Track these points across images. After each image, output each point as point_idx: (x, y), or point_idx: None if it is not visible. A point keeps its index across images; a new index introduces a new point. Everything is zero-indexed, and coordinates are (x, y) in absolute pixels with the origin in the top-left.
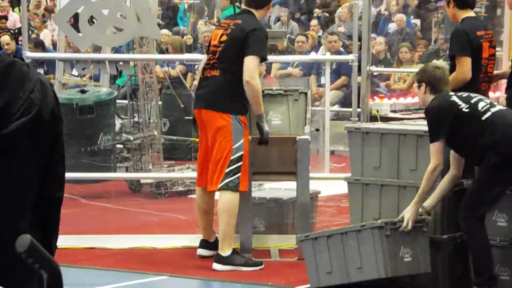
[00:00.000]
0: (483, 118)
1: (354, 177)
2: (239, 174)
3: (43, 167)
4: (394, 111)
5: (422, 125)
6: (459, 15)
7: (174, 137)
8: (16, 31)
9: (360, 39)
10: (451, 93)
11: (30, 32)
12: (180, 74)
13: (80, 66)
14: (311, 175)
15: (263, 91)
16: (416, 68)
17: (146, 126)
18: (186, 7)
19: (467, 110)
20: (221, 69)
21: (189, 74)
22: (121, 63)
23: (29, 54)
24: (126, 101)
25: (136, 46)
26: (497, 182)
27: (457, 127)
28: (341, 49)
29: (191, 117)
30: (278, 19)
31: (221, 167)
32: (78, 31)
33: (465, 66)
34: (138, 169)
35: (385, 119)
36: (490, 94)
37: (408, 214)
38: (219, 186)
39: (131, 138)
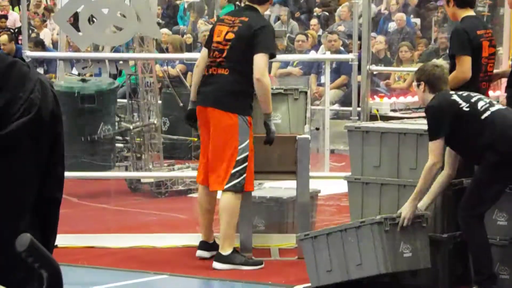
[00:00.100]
0: (483, 117)
1: (354, 176)
2: (245, 175)
3: (43, 167)
4: (394, 110)
5: (422, 124)
6: (459, 14)
7: (174, 137)
8: (16, 30)
9: (360, 38)
10: (452, 92)
11: (30, 31)
12: (180, 73)
13: (80, 65)
14: (311, 174)
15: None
16: (416, 67)
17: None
18: (186, 6)
19: (467, 109)
20: (229, 68)
21: (189, 73)
22: (121, 62)
23: (29, 53)
24: (125, 100)
25: (135, 45)
26: (496, 180)
27: (457, 127)
28: (341, 48)
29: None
30: (278, 18)
31: (227, 167)
32: (78, 30)
33: (465, 65)
34: (138, 168)
35: (385, 118)
36: (490, 93)
37: (405, 211)
38: (226, 187)
39: (131, 127)
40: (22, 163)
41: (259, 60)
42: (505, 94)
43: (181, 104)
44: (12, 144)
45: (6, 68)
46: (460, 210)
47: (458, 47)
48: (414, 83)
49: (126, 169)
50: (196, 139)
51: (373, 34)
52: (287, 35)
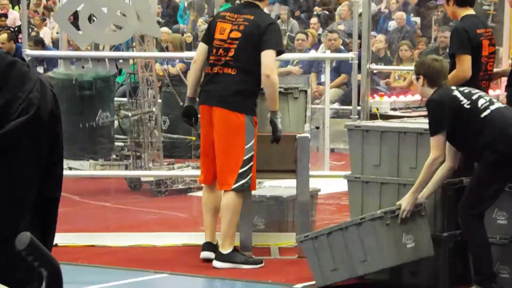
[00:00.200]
0: (482, 115)
1: (354, 175)
2: (251, 175)
3: (43, 167)
4: (394, 109)
5: (422, 123)
6: (458, 13)
7: (174, 136)
8: (16, 29)
9: (360, 37)
10: (453, 87)
11: (30, 30)
12: (180, 72)
13: (80, 64)
14: (311, 173)
15: (262, 89)
16: None
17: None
18: (186, 5)
19: (468, 106)
20: (236, 67)
21: (189, 72)
22: (120, 61)
23: (29, 52)
24: (125, 99)
25: (136, 44)
26: (495, 179)
27: (458, 126)
28: (341, 47)
29: None
30: (278, 17)
31: (235, 167)
32: (78, 29)
33: (465, 64)
34: (138, 167)
35: (385, 117)
36: (490, 92)
37: (405, 203)
38: (234, 187)
39: (130, 114)
40: (22, 163)
41: (268, 56)
42: (505, 93)
43: (181, 103)
44: (11, 143)
45: (6, 67)
46: (459, 209)
47: (458, 46)
48: (413, 77)
49: (126, 167)
50: (194, 138)
51: (373, 33)
52: (287, 34)
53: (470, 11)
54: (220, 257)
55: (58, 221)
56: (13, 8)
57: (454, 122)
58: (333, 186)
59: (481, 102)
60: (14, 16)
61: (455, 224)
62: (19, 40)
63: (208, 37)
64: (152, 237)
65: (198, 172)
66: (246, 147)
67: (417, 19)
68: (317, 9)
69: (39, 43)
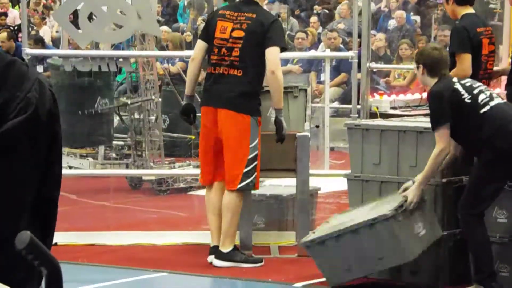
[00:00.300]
0: (481, 111)
1: (354, 173)
2: (255, 174)
3: (42, 167)
4: (394, 108)
5: (422, 122)
6: (458, 12)
7: (174, 134)
8: (16, 27)
9: (360, 36)
10: (454, 79)
11: (30, 29)
12: (181, 71)
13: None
14: (311, 171)
15: (262, 88)
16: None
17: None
18: (185, 3)
19: (469, 101)
20: (243, 68)
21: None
22: (120, 59)
23: (28, 51)
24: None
25: (137, 43)
26: (494, 178)
27: (458, 119)
28: (341, 45)
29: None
30: (278, 16)
31: (241, 167)
32: (78, 28)
33: (465, 63)
34: (139, 166)
35: (385, 115)
36: None
37: (411, 195)
38: (239, 186)
39: (129, 102)
40: (20, 163)
41: (273, 53)
42: (505, 92)
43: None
44: (10, 143)
45: (5, 67)
46: (459, 209)
47: (458, 45)
48: (414, 65)
49: (127, 166)
50: (194, 137)
51: (373, 31)
52: (287, 32)
53: (470, 10)
54: (220, 255)
55: (58, 220)
56: (13, 7)
57: (455, 116)
58: (333, 185)
59: (481, 97)
60: (14, 15)
61: (455, 223)
62: (19, 39)
63: (208, 35)
64: (152, 236)
65: (199, 171)
66: (251, 146)
67: (417, 18)
68: (317, 8)
69: (39, 42)
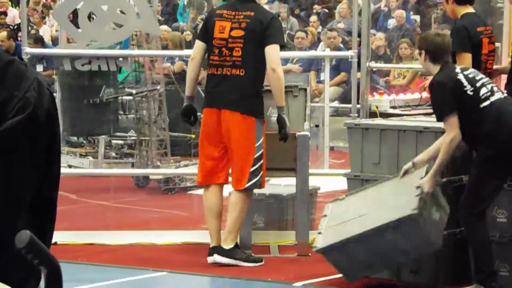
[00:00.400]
0: (481, 106)
1: (353, 173)
2: (262, 173)
3: (42, 167)
4: (393, 107)
5: (421, 121)
6: (458, 11)
7: (174, 133)
8: (16, 27)
9: (359, 35)
10: (457, 69)
11: (29, 28)
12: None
13: (80, 62)
14: (310, 171)
15: (262, 87)
16: (415, 64)
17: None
18: (185, 3)
19: (471, 93)
20: (244, 68)
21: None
22: (120, 59)
23: (28, 50)
24: (128, 97)
25: (142, 42)
26: (494, 175)
27: (460, 111)
28: (341, 45)
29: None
30: (278, 15)
31: (247, 167)
32: (78, 27)
33: (466, 62)
34: (145, 165)
35: (385, 115)
36: None
37: (427, 186)
38: (246, 185)
39: (133, 92)
40: (20, 163)
41: (273, 51)
42: (505, 91)
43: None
44: (8, 143)
45: (3, 66)
46: (460, 208)
47: (458, 44)
48: (416, 51)
49: (133, 165)
50: (194, 136)
51: (372, 31)
52: (287, 32)
53: (470, 9)
54: (222, 251)
55: (57, 219)
56: (12, 6)
57: (457, 107)
58: (333, 184)
59: (483, 91)
60: (14, 14)
61: (455, 223)
62: (19, 38)
63: (206, 36)
64: (152, 235)
65: None
66: (256, 145)
67: (417, 17)
68: (316, 7)
69: (38, 41)
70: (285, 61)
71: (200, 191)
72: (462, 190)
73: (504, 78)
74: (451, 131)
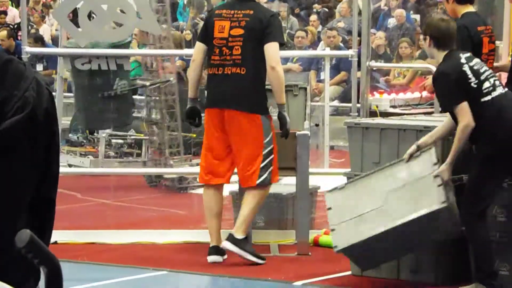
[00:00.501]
0: (482, 100)
1: (353, 172)
2: (271, 168)
3: (41, 167)
4: (393, 107)
5: (421, 120)
6: (458, 11)
7: (174, 133)
8: (16, 26)
9: (359, 34)
10: (463, 59)
11: (29, 27)
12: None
13: (80, 61)
14: (310, 170)
15: (264, 84)
16: (415, 64)
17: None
18: (185, 2)
19: (475, 86)
20: (246, 67)
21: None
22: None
23: (28, 49)
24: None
25: (155, 41)
26: (494, 175)
27: None
28: (341, 44)
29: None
30: (278, 14)
31: (256, 164)
32: (78, 26)
33: None
34: (158, 164)
35: (385, 114)
36: None
37: (446, 175)
38: (258, 182)
39: (147, 84)
40: (20, 163)
41: (272, 48)
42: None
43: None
44: (8, 142)
45: (2, 66)
46: (461, 208)
47: (458, 43)
48: (421, 37)
49: (144, 164)
50: (195, 135)
51: (372, 30)
52: (287, 31)
53: (470, 9)
54: (232, 240)
55: (58, 218)
56: (12, 5)
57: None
58: (333, 184)
59: (485, 85)
60: (14, 13)
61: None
62: (19, 37)
63: (206, 36)
64: (152, 235)
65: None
66: (265, 141)
67: (417, 17)
68: (316, 7)
69: (38, 40)
70: (285, 60)
71: (201, 190)
72: (462, 189)
73: (504, 77)
74: (463, 119)
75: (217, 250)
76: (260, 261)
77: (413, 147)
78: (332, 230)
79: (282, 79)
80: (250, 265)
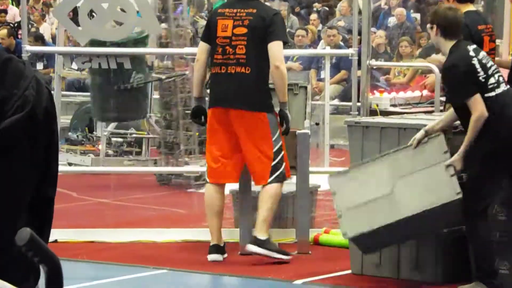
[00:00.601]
0: (487, 95)
1: None
2: (284, 164)
3: (41, 167)
4: (394, 105)
5: (422, 119)
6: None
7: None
8: (16, 24)
9: (360, 33)
10: (471, 52)
11: (30, 26)
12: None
13: (80, 60)
14: (311, 169)
15: (268, 83)
16: (416, 63)
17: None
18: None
19: (482, 80)
20: (250, 66)
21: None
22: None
23: (28, 48)
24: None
25: (172, 39)
26: (495, 173)
27: None
28: (341, 43)
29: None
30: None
31: (268, 162)
32: (78, 25)
33: None
34: (170, 163)
35: (385, 113)
36: None
37: (458, 165)
38: (270, 180)
39: (163, 77)
40: (20, 162)
41: (276, 47)
42: None
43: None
44: (8, 142)
45: (1, 64)
46: (463, 206)
47: None
48: (428, 25)
49: (155, 163)
50: (197, 134)
51: (373, 29)
52: (287, 30)
53: (471, 7)
54: (257, 242)
55: (58, 217)
56: (13, 4)
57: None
58: None
59: (491, 81)
60: (14, 12)
61: (455, 220)
62: (19, 36)
63: (209, 36)
64: (152, 233)
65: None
66: (273, 139)
67: (417, 15)
68: (317, 5)
69: (39, 38)
70: (286, 59)
71: (201, 189)
72: (461, 188)
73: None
74: (476, 110)
75: (218, 248)
76: (286, 258)
77: (421, 132)
78: (339, 216)
79: (286, 78)
80: (250, 264)
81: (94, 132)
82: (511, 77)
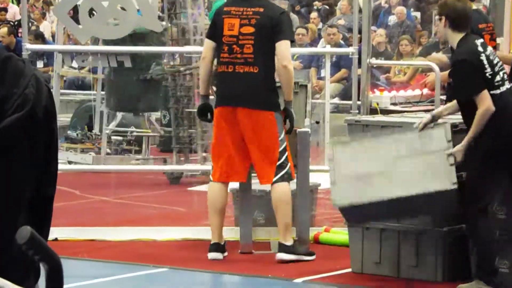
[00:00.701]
0: (491, 92)
1: None
2: (289, 164)
3: (41, 166)
4: (394, 104)
5: (422, 118)
6: None
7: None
8: (16, 23)
9: (360, 32)
10: (479, 47)
11: (30, 24)
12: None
13: (80, 58)
14: (311, 167)
15: (275, 81)
16: (416, 61)
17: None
18: None
19: (489, 76)
20: (258, 65)
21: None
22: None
23: (29, 46)
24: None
25: (177, 36)
26: (495, 171)
27: None
28: (341, 41)
29: (191, 110)
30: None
31: (273, 161)
32: (78, 23)
33: None
34: (181, 161)
35: (385, 111)
36: None
37: (460, 156)
38: (274, 179)
39: (181, 69)
40: (19, 161)
41: (284, 47)
42: None
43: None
44: (8, 140)
45: (1, 63)
46: (464, 205)
47: None
48: (437, 17)
49: (165, 161)
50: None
51: (373, 27)
52: None
53: (472, 6)
54: (284, 248)
55: (59, 215)
56: (13, 2)
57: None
58: None
59: (497, 78)
60: (14, 10)
61: (455, 219)
62: (19, 34)
63: (215, 34)
64: (152, 232)
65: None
66: (280, 138)
67: (417, 14)
68: (317, 4)
69: (39, 37)
70: None
71: (201, 188)
72: (461, 186)
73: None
74: (483, 104)
75: (218, 247)
76: (312, 258)
77: (428, 117)
78: (332, 183)
79: (292, 77)
80: (250, 262)
81: (93, 131)
82: (511, 77)
